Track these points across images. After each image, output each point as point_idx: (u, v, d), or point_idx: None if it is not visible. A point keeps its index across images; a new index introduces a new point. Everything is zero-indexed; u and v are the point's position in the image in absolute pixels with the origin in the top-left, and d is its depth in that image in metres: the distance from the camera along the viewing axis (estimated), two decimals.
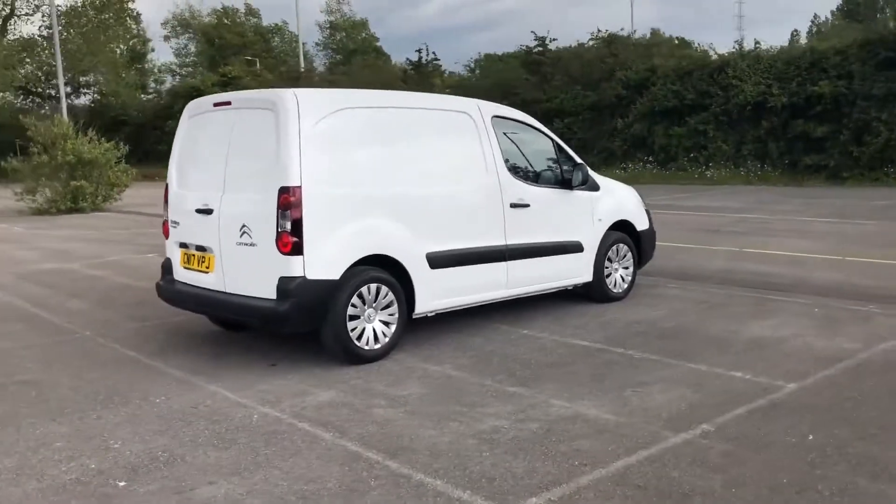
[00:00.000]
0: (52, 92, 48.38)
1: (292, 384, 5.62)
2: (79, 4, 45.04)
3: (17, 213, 21.08)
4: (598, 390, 5.36)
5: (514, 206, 7.03)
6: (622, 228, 8.25)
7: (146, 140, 45.18)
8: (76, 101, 49.12)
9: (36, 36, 44.90)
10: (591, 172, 7.97)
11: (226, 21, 57.80)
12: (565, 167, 7.63)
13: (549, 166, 7.67)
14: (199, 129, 6.61)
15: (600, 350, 6.37)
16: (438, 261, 6.47)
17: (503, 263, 6.98)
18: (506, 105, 7.93)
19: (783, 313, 7.46)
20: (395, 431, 4.68)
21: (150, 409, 5.20)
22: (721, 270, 9.85)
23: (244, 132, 6.10)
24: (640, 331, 6.96)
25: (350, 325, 5.95)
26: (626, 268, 8.29)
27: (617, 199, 8.30)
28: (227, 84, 43.00)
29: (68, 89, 48.88)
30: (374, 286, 6.08)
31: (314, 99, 6.00)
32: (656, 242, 8.93)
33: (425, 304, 6.47)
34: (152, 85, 50.32)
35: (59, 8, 44.78)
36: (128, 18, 48.83)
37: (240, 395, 5.42)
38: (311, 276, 5.72)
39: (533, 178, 7.52)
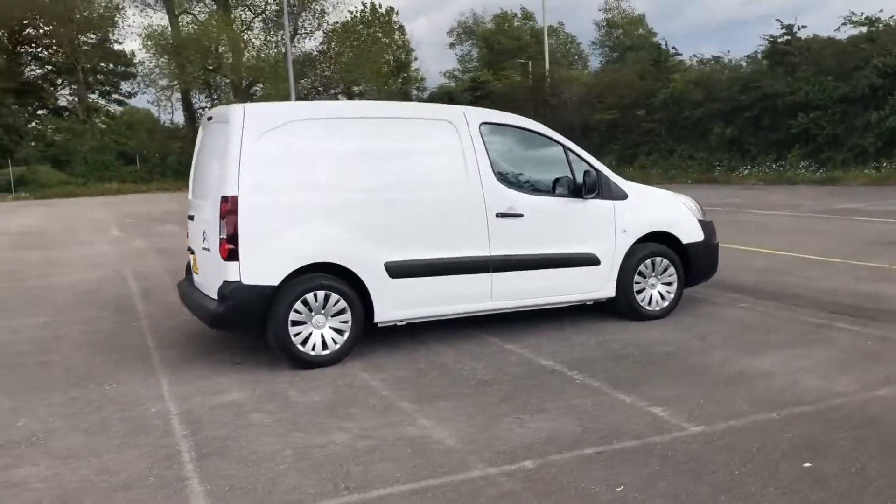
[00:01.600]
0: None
1: (216, 383, 5.95)
2: (350, 21, 49.19)
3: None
4: (484, 413, 5.10)
5: (502, 215, 6.76)
6: (663, 240, 7.55)
7: None
8: None
9: (314, 52, 49.76)
10: (617, 180, 7.42)
11: (505, 27, 59.89)
12: (578, 175, 7.15)
13: (554, 175, 7.25)
14: (201, 140, 7.19)
15: (552, 372, 5.98)
16: (400, 270, 6.44)
17: (487, 275, 6.75)
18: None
19: (823, 345, 6.43)
20: (235, 436, 4.84)
21: (90, 394, 5.81)
22: (828, 291, 8.56)
23: (212, 144, 6.58)
24: (625, 354, 6.39)
25: (294, 329, 6.16)
26: (669, 283, 7.56)
27: (651, 209, 7.61)
28: (476, 89, 44.63)
29: (343, 98, 53.82)
30: (321, 293, 6.22)
31: (262, 112, 6.28)
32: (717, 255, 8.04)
33: (386, 313, 6.49)
34: (414, 92, 53.58)
35: (336, 25, 49.49)
36: (396, 31, 52.50)
37: (171, 389, 5.86)
38: (246, 281, 6.02)
39: (532, 186, 7.17)
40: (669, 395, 5.30)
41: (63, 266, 13.12)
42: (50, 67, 53.71)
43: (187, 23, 48.85)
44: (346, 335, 6.33)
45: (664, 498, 3.80)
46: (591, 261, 7.17)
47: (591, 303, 7.44)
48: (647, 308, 7.47)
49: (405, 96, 52.43)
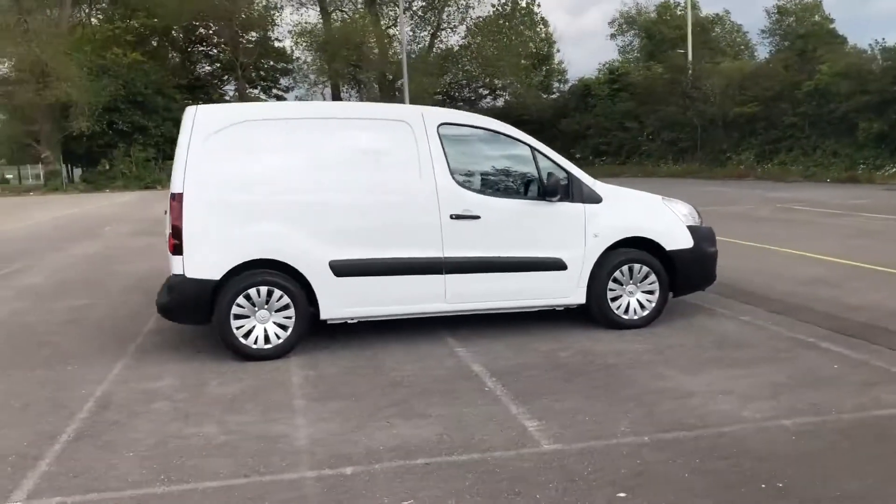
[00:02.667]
0: (471, 97, 53.86)
1: (162, 371, 6.30)
2: (491, 15, 49.29)
3: None
4: (363, 415, 5.13)
5: (456, 217, 6.70)
6: (645, 247, 7.20)
7: (545, 138, 47.97)
8: (493, 104, 53.95)
9: (455, 47, 50.31)
10: (592, 182, 7.14)
11: (667, 17, 58.10)
12: (545, 178, 6.95)
13: (517, 176, 7.09)
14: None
15: (471, 378, 5.89)
16: (345, 269, 6.55)
17: (440, 276, 6.72)
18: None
19: (782, 365, 5.95)
20: (123, 422, 5.14)
21: (49, 374, 6.32)
22: (851, 307, 7.83)
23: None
24: (563, 364, 6.19)
25: (236, 323, 6.42)
26: (650, 292, 7.21)
27: (629, 213, 7.26)
28: (615, 81, 43.62)
29: (485, 92, 54.17)
30: (264, 289, 6.44)
31: (213, 113, 6.55)
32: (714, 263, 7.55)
33: (332, 311, 6.62)
34: (556, 84, 53.00)
35: (478, 20, 49.81)
36: (539, 23, 52.12)
37: (118, 374, 6.27)
38: (190, 274, 6.34)
39: (492, 188, 7.04)
40: (562, 409, 5.10)
41: (156, 252, 14.10)
42: (218, 65, 57.48)
43: (338, 20, 50.71)
44: (290, 330, 6.51)
45: None
46: (556, 265, 6.95)
47: (560, 308, 7.21)
48: (624, 317, 7.15)
49: (546, 89, 52.03)
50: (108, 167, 46.85)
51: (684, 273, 7.32)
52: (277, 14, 53.24)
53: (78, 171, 51.47)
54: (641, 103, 40.44)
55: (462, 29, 50.57)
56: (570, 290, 7.04)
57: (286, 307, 6.49)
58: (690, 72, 39.04)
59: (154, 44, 54.43)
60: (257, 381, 5.94)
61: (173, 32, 54.68)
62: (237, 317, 6.42)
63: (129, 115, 46.88)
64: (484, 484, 4.03)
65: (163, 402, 5.52)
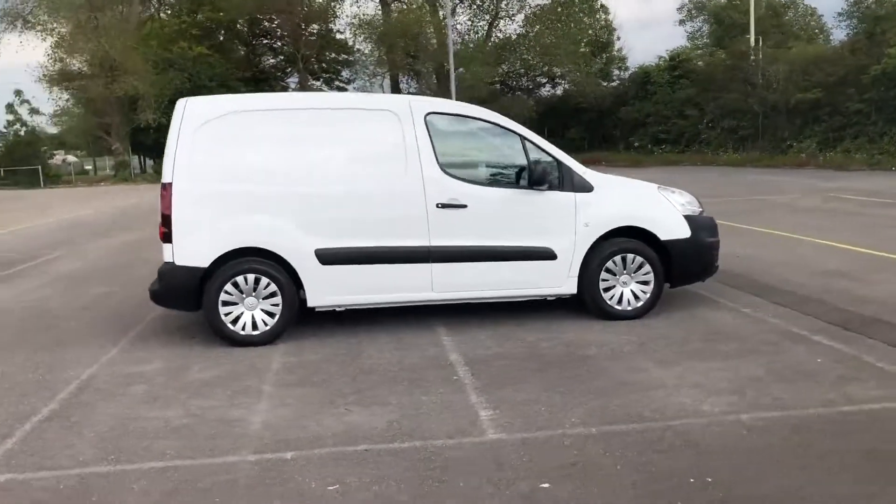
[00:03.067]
0: (529, 85, 53.49)
1: (151, 355, 6.50)
2: (549, 3, 48.73)
3: None
4: (324, 401, 5.21)
5: (443, 206, 6.71)
6: (639, 237, 7.09)
7: (604, 126, 47.46)
8: (552, 92, 53.52)
9: (513, 35, 49.94)
10: (584, 171, 7.06)
11: (736, 1, 56.56)
12: (535, 166, 6.89)
13: (506, 166, 7.04)
14: None
15: (445, 367, 5.90)
16: (331, 257, 6.63)
17: (426, 265, 6.75)
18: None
19: (762, 358, 5.80)
20: (96, 404, 5.33)
21: (46, 356, 6.59)
22: (860, 299, 7.54)
23: None
24: (540, 354, 6.16)
25: (224, 309, 6.57)
26: (644, 283, 7.09)
27: (622, 202, 7.14)
28: (675, 68, 42.70)
29: (544, 80, 53.70)
30: (251, 276, 6.57)
31: (202, 105, 6.69)
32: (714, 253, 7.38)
33: (318, 298, 6.72)
34: (615, 72, 52.10)
35: (536, 8, 49.36)
36: (599, 10, 51.32)
37: (110, 357, 6.50)
38: (179, 262, 6.51)
39: (480, 177, 7.02)
40: (521, 399, 5.08)
41: None
42: (281, 57, 58.38)
43: (397, 11, 50.91)
44: (276, 317, 6.63)
45: (363, 499, 3.75)
46: (545, 255, 6.90)
47: (552, 298, 7.16)
48: (617, 307, 7.05)
49: (606, 77, 51.25)
50: None
51: (681, 263, 7.18)
52: (338, 5, 53.75)
53: (150, 162, 53.00)
54: (702, 90, 39.47)
55: (520, 17, 50.13)
56: (560, 280, 6.97)
57: (273, 294, 6.61)
58: (753, 57, 37.91)
59: (220, 37, 55.56)
60: (237, 367, 6.07)
61: (238, 26, 55.69)
62: (225, 304, 6.56)
63: None
64: (414, 471, 4.05)
65: (140, 386, 5.70)
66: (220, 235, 6.53)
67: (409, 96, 7.11)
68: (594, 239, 6.96)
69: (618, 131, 46.16)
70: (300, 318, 6.91)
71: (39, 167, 47.44)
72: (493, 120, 7.04)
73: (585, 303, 7.10)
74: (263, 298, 6.61)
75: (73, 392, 5.59)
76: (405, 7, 50.64)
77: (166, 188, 6.47)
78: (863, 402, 4.81)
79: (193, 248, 6.50)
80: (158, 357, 6.42)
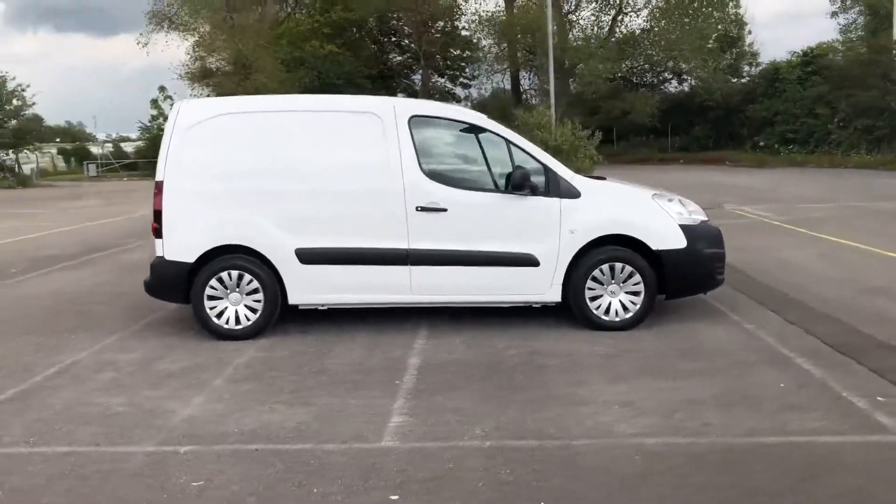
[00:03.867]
0: (653, 81, 51.96)
1: (141, 345, 6.86)
2: None
3: None
4: (258, 399, 5.34)
5: (422, 209, 6.73)
6: (631, 245, 6.84)
7: (731, 124, 45.44)
8: (680, 88, 51.76)
9: (637, 30, 48.61)
10: (570, 176, 6.87)
11: None
12: (515, 171, 6.77)
13: (490, 169, 6.94)
14: None
15: (394, 370, 5.90)
16: (311, 257, 6.78)
17: (405, 268, 6.79)
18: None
19: (723, 380, 5.51)
20: (61, 388, 5.70)
21: (54, 340, 7.08)
22: (889, 320, 6.99)
23: None
24: (497, 362, 6.07)
25: (210, 304, 6.85)
26: (635, 293, 6.84)
27: (611, 209, 6.89)
28: (808, 64, 40.36)
29: (669, 76, 52.01)
30: (235, 273, 6.82)
31: (193, 107, 6.98)
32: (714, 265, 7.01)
33: (298, 296, 6.88)
34: (745, 68, 49.64)
35: (664, 2, 47.84)
36: (729, 4, 49.06)
37: (107, 343, 6.90)
38: (168, 257, 6.85)
39: (462, 181, 6.95)
40: (444, 408, 5.06)
41: None
42: (408, 55, 59.43)
43: (519, 7, 50.72)
44: (259, 313, 6.84)
45: (216, 497, 3.87)
46: (527, 261, 6.77)
47: (537, 305, 7.01)
48: (604, 317, 6.83)
49: (735, 73, 49.05)
50: None
51: (676, 275, 6.86)
52: (463, 3, 54.12)
53: None
54: (835, 87, 37.08)
55: (645, 13, 48.75)
56: (543, 287, 6.82)
57: (256, 291, 6.83)
58: (894, 51, 35.23)
59: (350, 36, 57.13)
60: (207, 360, 6.31)
61: (368, 24, 57.10)
62: (211, 298, 6.84)
63: None
64: (284, 473, 4.13)
65: (109, 373, 6.04)
66: (206, 232, 6.80)
67: (395, 98, 7.16)
68: (580, 246, 6.76)
69: (745, 130, 44.10)
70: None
71: None
72: (477, 123, 6.97)
73: (573, 312, 6.91)
74: (247, 294, 6.84)
75: (48, 376, 5.99)
76: (527, 2, 50.30)
77: (158, 186, 6.80)
78: (789, 433, 4.48)
79: (181, 244, 6.81)
80: (144, 346, 6.77)
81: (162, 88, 53.53)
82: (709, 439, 4.42)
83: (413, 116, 6.85)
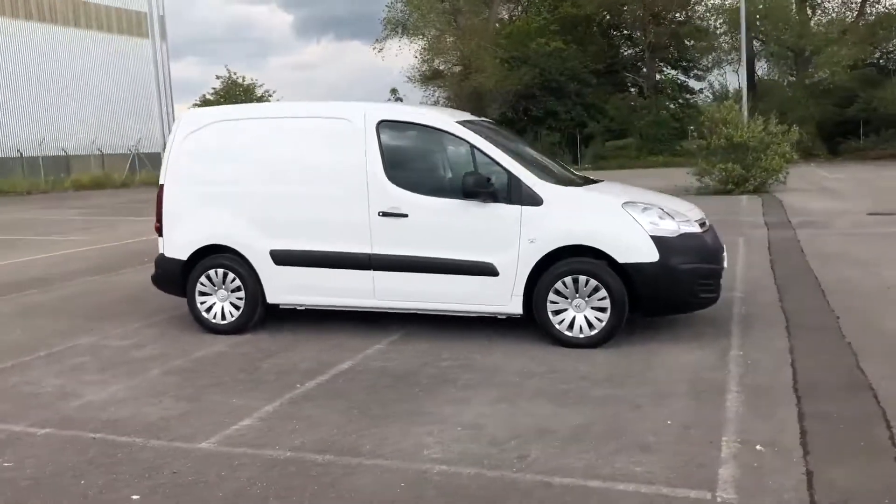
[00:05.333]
0: None
1: (135, 333, 7.51)
2: None
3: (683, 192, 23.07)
4: (152, 391, 5.68)
5: (385, 214, 6.74)
6: (600, 257, 6.37)
7: None
8: None
9: (893, 10, 43.37)
10: (531, 182, 6.48)
11: None
12: (468, 177, 6.52)
13: (453, 175, 6.74)
14: None
15: (317, 373, 6.00)
16: (283, 258, 7.04)
17: (368, 272, 6.84)
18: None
19: (612, 407, 5.02)
20: (33, 367, 6.45)
21: (80, 326, 7.96)
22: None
23: None
24: (422, 371, 5.94)
25: (200, 299, 7.36)
26: (602, 309, 6.36)
27: (573, 219, 6.40)
28: None
29: None
30: (220, 271, 7.27)
31: (193, 115, 7.52)
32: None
33: (274, 296, 7.17)
34: None
35: None
36: None
37: (113, 331, 7.61)
38: (167, 254, 7.45)
39: (424, 186, 6.80)
40: (302, 415, 5.08)
41: None
42: (639, 48, 57.73)
43: None
44: (240, 310, 7.23)
45: (7, 478, 4.24)
46: (486, 270, 6.52)
47: (502, 317, 6.72)
48: (567, 333, 6.41)
49: None
50: None
51: (648, 291, 6.28)
52: None
53: None
54: None
55: None
56: (503, 298, 6.54)
57: (239, 289, 7.21)
58: None
59: (580, 32, 56.59)
60: (170, 351, 6.76)
61: (599, 17, 56.24)
62: (201, 293, 7.33)
63: (542, 101, 49.76)
64: (84, 462, 4.40)
65: (87, 358, 6.68)
66: (196, 232, 7.30)
67: (367, 104, 7.11)
68: (540, 257, 6.39)
69: None
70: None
71: None
72: (443, 128, 6.80)
73: (539, 326, 6.55)
74: (231, 291, 7.24)
75: (40, 357, 6.76)
76: None
77: (160, 189, 7.41)
78: (605, 477, 4.00)
79: (177, 242, 7.37)
80: (142, 336, 7.40)
81: (393, 91, 56.59)
82: (497, 472, 4.07)
83: (381, 121, 6.85)
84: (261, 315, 7.27)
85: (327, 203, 6.92)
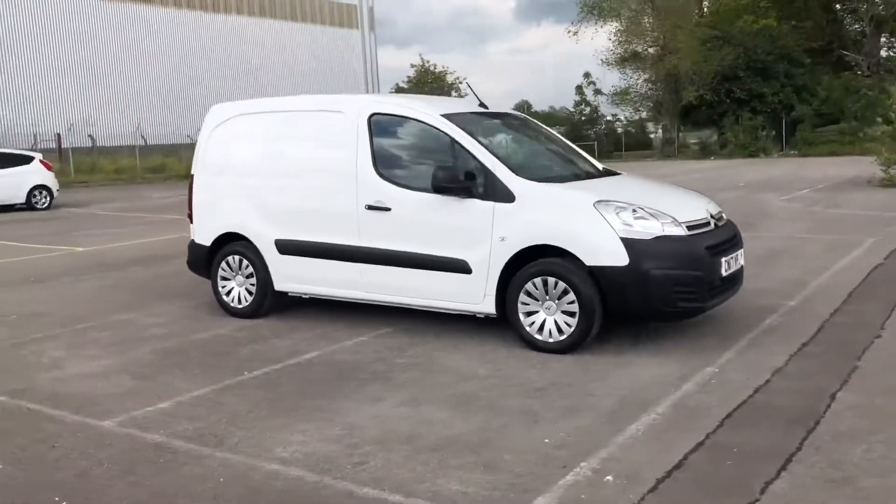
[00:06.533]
0: None
1: (154, 313, 8.04)
2: None
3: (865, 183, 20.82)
4: (123, 373, 6.04)
5: (370, 207, 6.75)
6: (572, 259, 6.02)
7: None
8: None
9: None
10: (506, 178, 6.19)
11: None
12: (437, 171, 6.33)
13: (433, 169, 6.57)
14: None
15: (278, 362, 6.13)
16: (286, 247, 7.27)
17: (357, 265, 6.90)
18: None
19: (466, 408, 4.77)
20: (42, 340, 7.16)
21: (113, 310, 8.66)
22: None
23: None
24: (371, 368, 5.90)
25: (221, 283, 7.79)
26: (571, 314, 6.01)
27: (541, 217, 6.02)
28: None
29: None
30: (237, 257, 7.65)
31: (220, 108, 7.85)
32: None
33: (280, 284, 7.42)
34: None
35: None
36: None
37: (139, 315, 7.99)
38: (196, 240, 7.95)
39: (408, 180, 6.68)
40: (219, 400, 5.27)
41: None
42: (864, 23, 52.36)
43: None
44: (253, 296, 7.57)
45: None
46: (460, 268, 6.35)
47: (482, 316, 6.51)
48: (537, 337, 6.10)
49: None
50: (716, 135, 47.76)
51: (615, 296, 5.83)
52: None
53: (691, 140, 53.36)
54: None
55: None
56: (476, 297, 6.34)
57: (251, 275, 7.55)
58: None
59: (796, 7, 52.35)
60: (177, 332, 7.19)
61: None
62: (222, 278, 7.75)
63: (747, 82, 46.71)
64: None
65: (106, 333, 7.28)
66: (217, 220, 7.72)
67: (365, 96, 7.09)
68: (510, 255, 6.13)
69: None
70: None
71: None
72: (429, 122, 6.63)
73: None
74: (245, 278, 7.59)
75: (75, 329, 7.42)
76: None
77: (191, 179, 7.91)
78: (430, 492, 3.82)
79: (203, 230, 7.83)
80: (171, 315, 7.92)
81: (587, 75, 55.44)
82: (317, 477, 4.00)
83: (373, 114, 6.84)
84: (271, 302, 7.53)
85: (322, 195, 7.04)
